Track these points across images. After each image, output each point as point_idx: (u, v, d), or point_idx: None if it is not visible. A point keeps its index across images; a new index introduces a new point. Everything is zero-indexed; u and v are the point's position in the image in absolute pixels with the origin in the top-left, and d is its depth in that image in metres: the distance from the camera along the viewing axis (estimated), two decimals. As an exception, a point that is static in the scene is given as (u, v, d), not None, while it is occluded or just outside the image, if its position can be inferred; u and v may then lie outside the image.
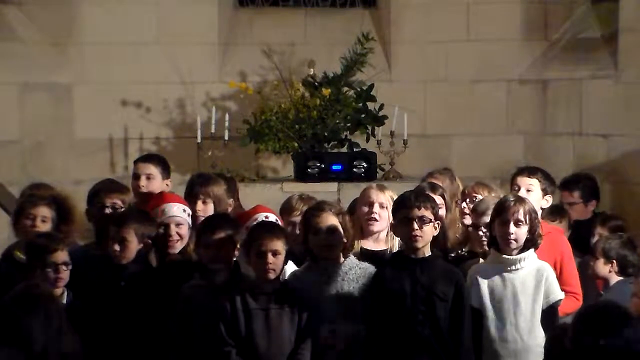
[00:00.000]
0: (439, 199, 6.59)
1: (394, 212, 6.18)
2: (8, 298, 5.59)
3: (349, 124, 10.02)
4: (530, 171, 7.18)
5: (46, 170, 9.69)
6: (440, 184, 7.15)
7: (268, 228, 6.12)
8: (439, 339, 5.91)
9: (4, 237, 7.34)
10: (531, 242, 6.15)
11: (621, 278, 6.97)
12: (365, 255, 6.37)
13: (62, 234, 6.58)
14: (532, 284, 6.12)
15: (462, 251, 6.70)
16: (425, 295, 5.92)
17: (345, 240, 6.16)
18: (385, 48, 10.67)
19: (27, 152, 10.13)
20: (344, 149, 10.05)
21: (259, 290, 5.94)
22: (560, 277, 6.45)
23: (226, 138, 9.88)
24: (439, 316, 5.92)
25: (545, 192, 7.11)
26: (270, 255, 5.90)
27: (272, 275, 5.92)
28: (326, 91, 9.89)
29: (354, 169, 9.70)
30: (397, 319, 5.91)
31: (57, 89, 10.24)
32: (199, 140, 9.90)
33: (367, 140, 10.06)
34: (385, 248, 6.59)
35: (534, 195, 6.91)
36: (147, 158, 7.75)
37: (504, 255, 6.14)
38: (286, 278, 6.21)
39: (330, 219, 6.15)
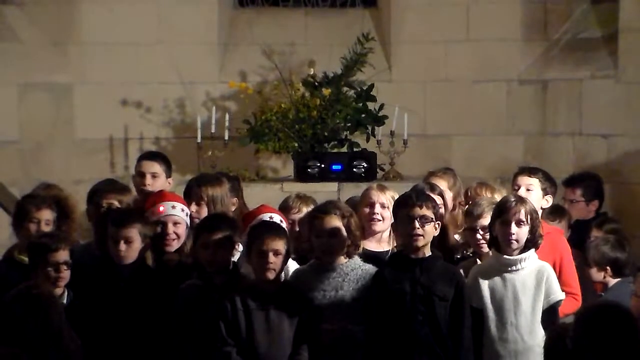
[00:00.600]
0: (438, 199, 6.59)
1: (394, 211, 6.18)
2: (8, 298, 5.60)
3: (349, 124, 10.02)
4: (531, 171, 7.18)
5: (46, 170, 9.68)
6: (445, 183, 7.15)
7: (269, 227, 6.13)
8: (439, 339, 5.91)
9: (4, 237, 7.35)
10: (532, 243, 6.15)
11: (619, 279, 6.97)
12: (368, 256, 6.37)
13: (63, 233, 6.58)
14: (533, 284, 6.11)
15: (466, 251, 6.69)
16: (425, 296, 5.92)
17: (349, 242, 6.16)
18: (385, 48, 10.66)
19: (27, 152, 10.12)
20: (344, 149, 10.05)
21: (260, 290, 5.94)
22: (559, 278, 6.45)
23: (226, 138, 9.87)
24: (439, 316, 5.91)
25: (545, 192, 7.10)
26: (271, 255, 5.90)
27: (271, 275, 5.93)
28: (326, 91, 9.89)
29: (354, 169, 9.70)
30: (397, 319, 5.91)
31: (57, 89, 10.24)
32: (199, 140, 9.90)
33: (367, 140, 10.06)
34: (387, 249, 6.60)
35: (534, 194, 6.91)
36: (152, 156, 7.74)
37: (505, 256, 6.14)
38: (289, 276, 6.22)
39: (334, 222, 6.15)
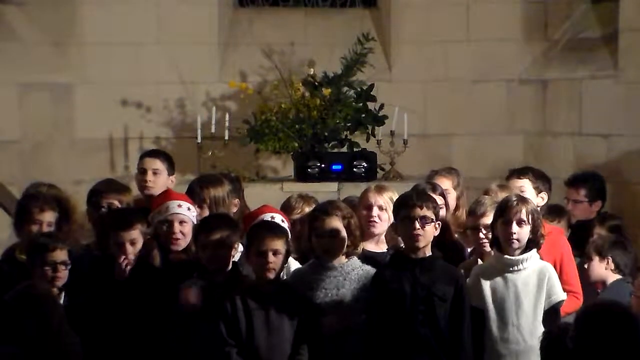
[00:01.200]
0: (439, 199, 6.59)
1: (395, 211, 6.19)
2: (8, 298, 5.60)
3: (349, 124, 10.02)
4: (519, 172, 7.18)
5: (46, 170, 9.67)
6: (449, 183, 7.15)
7: (269, 227, 6.13)
8: (439, 339, 5.91)
9: (4, 237, 7.34)
10: (533, 243, 6.16)
11: (618, 277, 6.97)
12: (367, 258, 6.37)
13: (63, 234, 6.58)
14: (535, 285, 6.12)
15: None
16: (425, 296, 5.92)
17: (348, 243, 6.16)
18: (385, 48, 10.67)
19: (27, 152, 10.13)
20: (344, 149, 10.05)
21: (260, 290, 5.94)
22: (560, 277, 6.45)
23: (226, 138, 9.87)
24: (439, 316, 5.91)
25: (538, 191, 7.10)
26: (270, 255, 5.90)
27: (271, 275, 5.93)
28: (326, 91, 9.89)
29: (354, 169, 9.71)
30: (397, 319, 5.91)
31: (57, 89, 10.24)
32: (199, 140, 9.90)
33: (367, 140, 10.06)
34: (386, 250, 6.59)
35: (527, 196, 6.88)
36: (154, 153, 7.75)
37: (506, 256, 6.14)
38: (290, 275, 6.23)
39: (334, 224, 6.16)
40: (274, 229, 6.09)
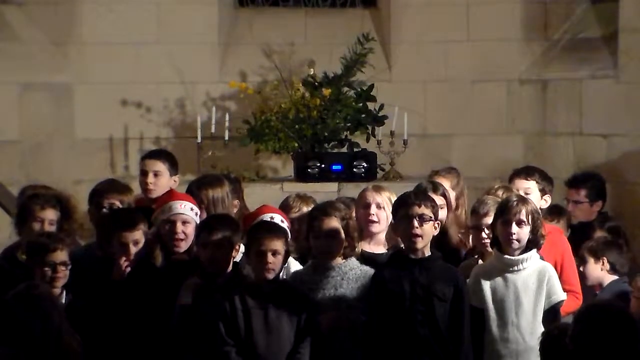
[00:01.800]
0: (440, 199, 6.59)
1: (394, 211, 6.19)
2: (8, 297, 5.60)
3: (349, 124, 10.02)
4: (527, 173, 7.16)
5: (46, 170, 9.69)
6: (448, 183, 7.15)
7: (268, 228, 6.13)
8: (438, 339, 5.91)
9: (4, 237, 7.34)
10: (533, 243, 6.15)
11: (614, 277, 6.97)
12: (367, 259, 6.37)
13: (63, 234, 6.58)
14: (534, 285, 6.12)
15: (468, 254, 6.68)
16: (425, 296, 5.92)
17: (346, 244, 6.17)
18: (385, 48, 10.66)
19: (27, 152, 10.13)
20: (344, 149, 10.05)
21: (259, 289, 5.94)
22: (560, 277, 6.46)
23: (226, 138, 9.87)
24: (438, 316, 5.92)
25: (543, 193, 7.10)
26: (269, 255, 5.90)
27: (270, 275, 5.93)
28: (326, 91, 9.89)
29: (354, 169, 9.70)
30: (396, 319, 5.91)
31: (57, 89, 10.24)
32: (199, 140, 9.90)
33: (367, 140, 10.06)
34: (384, 251, 6.59)
35: (533, 197, 6.89)
36: (154, 154, 7.75)
37: (506, 256, 6.14)
38: (289, 275, 6.23)
39: (332, 224, 6.16)
40: (273, 230, 6.09)
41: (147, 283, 6.21)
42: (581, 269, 7.01)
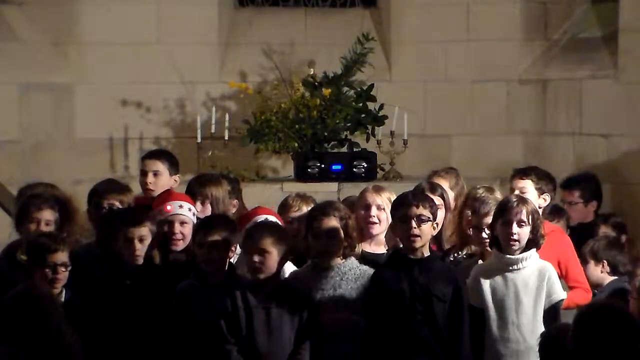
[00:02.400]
0: (438, 200, 6.58)
1: (392, 212, 6.19)
2: (8, 298, 5.60)
3: (349, 124, 10.02)
4: (523, 173, 7.15)
5: (46, 170, 9.68)
6: (447, 183, 7.13)
7: (257, 227, 6.14)
8: (438, 339, 5.91)
9: (4, 237, 7.34)
10: (533, 242, 6.15)
11: (614, 278, 6.97)
12: (367, 259, 6.36)
13: (64, 234, 6.58)
14: (534, 284, 6.12)
15: (458, 254, 6.66)
16: (424, 296, 5.92)
17: (345, 244, 6.16)
18: (385, 48, 10.66)
19: (27, 152, 10.13)
20: (344, 149, 10.05)
21: (260, 288, 5.94)
22: (566, 275, 6.48)
23: (226, 138, 9.88)
24: (438, 316, 5.92)
25: (541, 192, 7.07)
26: (257, 255, 5.88)
27: (260, 275, 5.91)
28: (326, 91, 9.89)
29: (354, 169, 9.70)
30: (395, 319, 5.91)
31: (57, 89, 10.24)
32: (199, 140, 9.90)
33: (367, 140, 10.06)
34: (385, 252, 6.58)
35: (529, 196, 6.86)
36: (154, 154, 7.77)
37: (506, 255, 6.14)
38: (286, 277, 6.22)
39: (332, 224, 6.16)
40: (262, 229, 6.08)
41: (145, 282, 6.21)
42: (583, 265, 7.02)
